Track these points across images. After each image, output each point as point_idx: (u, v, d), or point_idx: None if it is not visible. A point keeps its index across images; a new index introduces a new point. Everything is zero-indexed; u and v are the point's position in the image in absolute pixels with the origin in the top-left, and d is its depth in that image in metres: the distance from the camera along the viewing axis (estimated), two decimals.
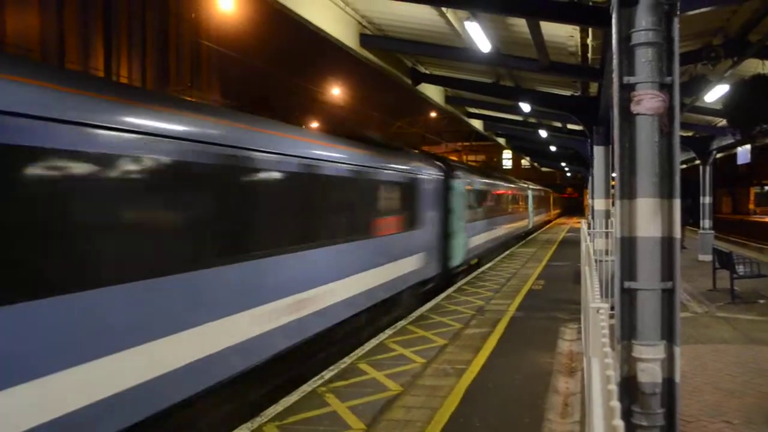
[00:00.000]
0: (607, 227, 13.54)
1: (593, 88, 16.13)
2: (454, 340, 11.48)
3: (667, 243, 4.93)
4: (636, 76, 4.88)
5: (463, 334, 11.96)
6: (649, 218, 4.89)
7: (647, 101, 4.80)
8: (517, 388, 8.70)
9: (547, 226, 56.97)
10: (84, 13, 36.94)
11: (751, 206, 67.49)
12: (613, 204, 14.54)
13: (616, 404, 1.88)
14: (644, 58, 4.84)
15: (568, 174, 72.92)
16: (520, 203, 38.85)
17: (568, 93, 17.73)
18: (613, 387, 2.05)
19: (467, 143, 76.63)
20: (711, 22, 10.96)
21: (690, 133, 23.44)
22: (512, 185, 35.86)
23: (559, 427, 7.25)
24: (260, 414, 7.82)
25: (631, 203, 4.97)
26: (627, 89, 4.92)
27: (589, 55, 13.14)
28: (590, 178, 21.09)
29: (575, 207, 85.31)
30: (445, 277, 18.82)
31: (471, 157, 79.83)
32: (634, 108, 4.86)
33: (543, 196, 56.99)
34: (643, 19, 4.83)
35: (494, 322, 12.97)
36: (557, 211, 76.59)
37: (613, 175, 16.39)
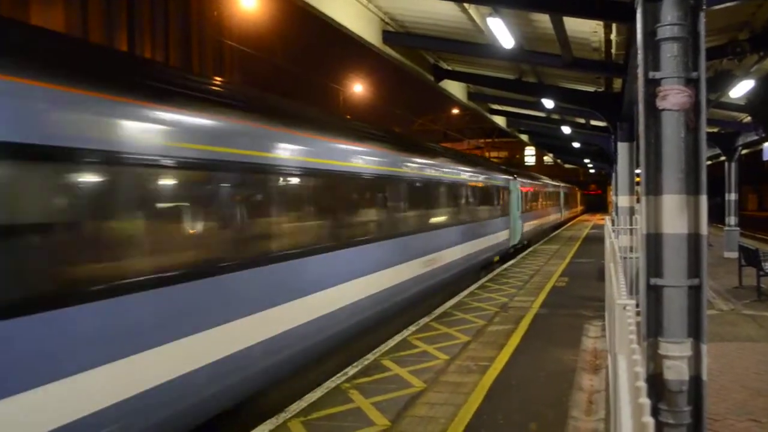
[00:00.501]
0: (631, 224, 13.45)
1: (617, 84, 16.02)
2: (478, 337, 11.46)
3: (693, 240, 4.89)
4: (661, 71, 4.84)
5: (486, 331, 11.94)
6: (675, 215, 4.86)
7: (673, 96, 4.76)
8: (541, 386, 8.67)
9: (564, 227, 50.86)
10: (108, 10, 37.25)
11: None
12: (637, 201, 14.43)
13: (645, 401, 1.87)
14: (670, 53, 4.80)
15: (592, 171, 72.44)
16: (479, 202, 21.01)
17: (591, 89, 17.60)
18: (642, 384, 2.04)
19: (490, 140, 76.36)
20: (736, 17, 10.84)
21: (715, 129, 23.20)
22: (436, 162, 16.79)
23: (584, 425, 7.22)
24: (284, 410, 7.86)
25: (656, 199, 4.93)
26: (652, 84, 4.88)
27: (613, 50, 13.05)
28: (614, 174, 20.94)
29: (598, 204, 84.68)
30: None
31: (494, 154, 79.50)
32: (660, 103, 4.82)
33: (547, 192, 42.52)
34: (669, 14, 4.79)
35: (518, 319, 12.93)
36: (575, 209, 72.19)
37: (638, 171, 16.30)
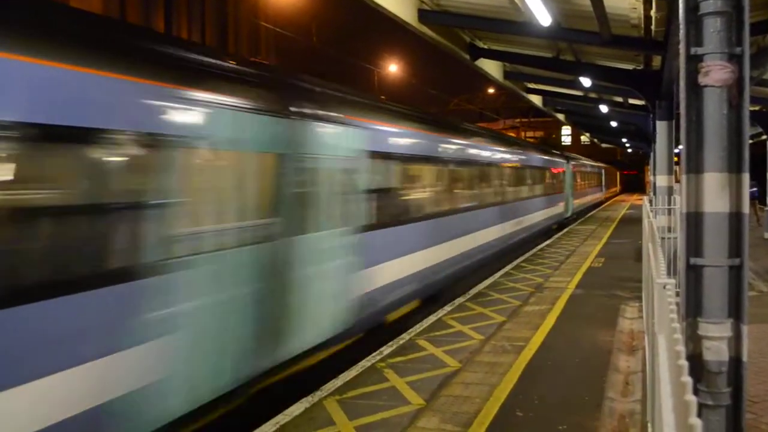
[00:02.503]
0: (669, 204, 13.26)
1: (656, 61, 15.74)
2: (513, 317, 11.43)
3: (734, 219, 4.80)
4: (704, 46, 4.73)
5: (521, 311, 11.90)
6: (716, 193, 4.76)
7: (715, 72, 4.66)
8: (577, 366, 8.63)
9: (603, 206, 49.75)
10: None
11: None
12: (676, 180, 14.22)
13: (687, 379, 1.83)
14: (713, 27, 4.69)
15: (629, 150, 71.53)
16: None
17: (630, 67, 17.33)
18: (684, 362, 2.00)
19: (525, 119, 75.74)
20: None
21: (756, 108, 22.75)
22: None
23: (620, 406, 7.18)
24: (320, 388, 7.91)
25: (697, 178, 4.84)
26: (694, 60, 4.78)
27: (653, 27, 12.80)
28: (652, 154, 20.66)
29: (636, 184, 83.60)
30: None
31: (530, 134, 78.86)
32: (702, 80, 4.72)
33: (590, 172, 43.97)
34: None
35: (553, 300, 12.86)
36: (614, 189, 70.40)
37: (676, 150, 16.07)
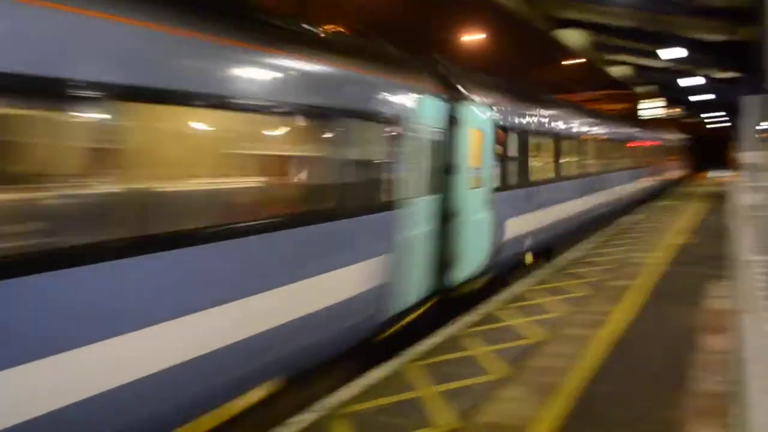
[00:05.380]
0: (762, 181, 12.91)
1: (749, 33, 15.29)
2: (596, 292, 11.41)
3: None
4: None
5: (605, 286, 11.86)
6: None
7: None
8: (662, 343, 8.59)
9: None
10: None
11: None
12: None
13: None
14: None
15: (715, 125, 69.15)
16: None
17: (720, 38, 16.85)
18: None
19: (606, 92, 73.98)
20: None
21: None
22: None
23: (706, 385, 7.13)
24: (403, 353, 8.12)
25: None
26: None
27: None
28: (740, 128, 20.07)
29: (720, 160, 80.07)
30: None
31: (610, 107, 77.03)
32: None
33: (595, 139, 19.81)
34: None
35: (640, 276, 12.74)
36: (676, 171, 48.76)
37: (765, 126, 15.54)
